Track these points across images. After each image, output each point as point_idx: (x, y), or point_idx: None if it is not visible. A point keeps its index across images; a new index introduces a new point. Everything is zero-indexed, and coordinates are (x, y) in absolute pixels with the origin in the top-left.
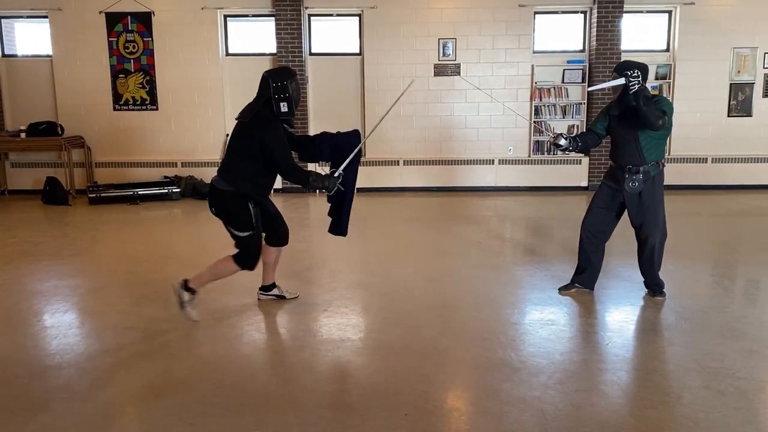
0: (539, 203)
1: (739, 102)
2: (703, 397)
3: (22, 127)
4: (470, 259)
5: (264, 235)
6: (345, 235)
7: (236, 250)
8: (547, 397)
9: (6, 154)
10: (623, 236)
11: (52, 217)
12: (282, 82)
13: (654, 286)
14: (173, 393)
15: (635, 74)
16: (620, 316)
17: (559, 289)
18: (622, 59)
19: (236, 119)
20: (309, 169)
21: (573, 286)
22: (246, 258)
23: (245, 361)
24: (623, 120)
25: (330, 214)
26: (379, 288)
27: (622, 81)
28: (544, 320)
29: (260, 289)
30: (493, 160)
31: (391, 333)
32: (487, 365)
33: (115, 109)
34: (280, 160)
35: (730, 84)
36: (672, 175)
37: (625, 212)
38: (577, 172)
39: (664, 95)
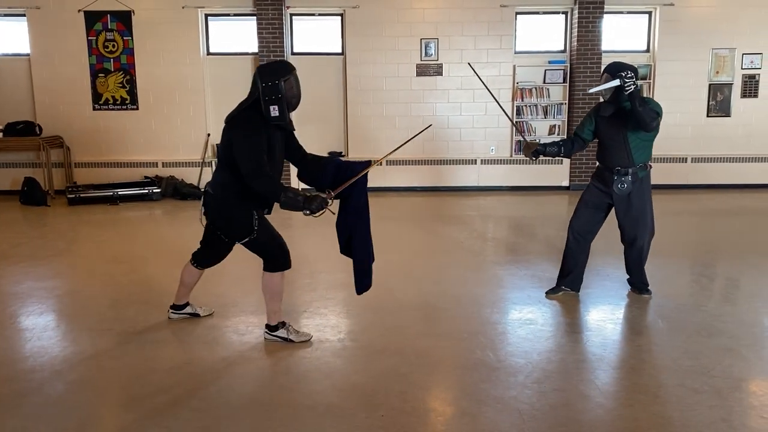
0: (521, 203)
1: (718, 102)
2: (678, 395)
3: (0, 127)
4: (451, 258)
5: (199, 251)
6: (366, 289)
7: (263, 261)
8: (524, 396)
9: None
10: (603, 234)
11: (30, 218)
12: (273, 82)
13: (640, 284)
14: (150, 396)
15: (630, 75)
16: (600, 315)
17: (546, 293)
18: (603, 60)
19: (225, 120)
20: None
21: (560, 289)
22: (276, 258)
23: (222, 363)
24: (613, 122)
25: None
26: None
27: (617, 82)
28: (523, 320)
29: (171, 307)
30: (475, 160)
31: (371, 333)
32: (466, 365)
33: (94, 109)
34: (243, 163)
35: (709, 84)
36: (652, 174)
37: (612, 213)
38: (558, 171)
39: (645, 95)
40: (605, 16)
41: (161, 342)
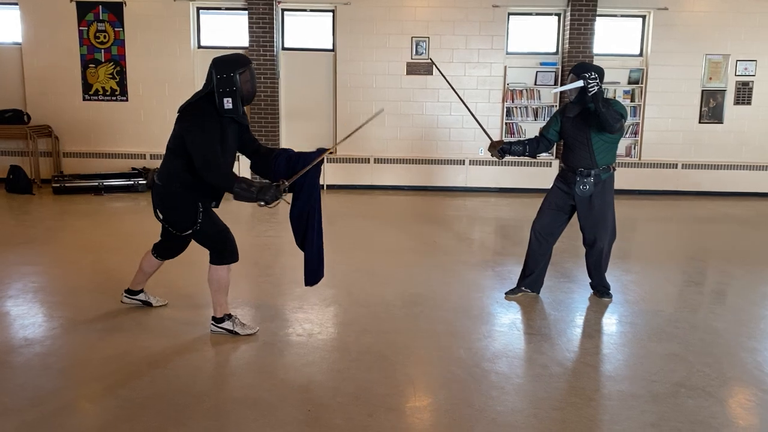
0: (507, 204)
1: (711, 109)
2: (614, 399)
3: None
4: (421, 257)
5: (160, 242)
6: (317, 281)
7: (209, 253)
8: (455, 398)
9: None
10: (567, 236)
11: (13, 205)
12: (227, 74)
13: (601, 288)
14: (80, 385)
15: (593, 76)
16: (555, 317)
17: (506, 294)
18: (595, 63)
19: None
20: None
21: (519, 290)
22: (222, 251)
23: (163, 353)
24: (577, 123)
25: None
26: (324, 285)
27: (580, 83)
28: (474, 318)
29: (126, 291)
30: (464, 161)
31: (318, 329)
32: (405, 362)
33: (84, 99)
34: (197, 155)
35: (702, 90)
36: (642, 180)
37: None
38: (547, 174)
39: (636, 100)
40: (598, 19)
41: (108, 330)
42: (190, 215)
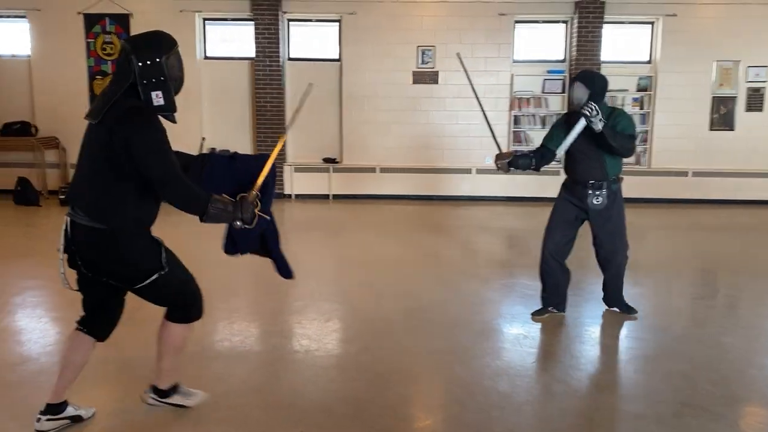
0: (513, 214)
1: (722, 115)
2: (618, 420)
3: None
4: (421, 269)
5: (88, 315)
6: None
7: (168, 309)
8: (451, 417)
9: None
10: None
11: (20, 217)
12: (153, 59)
13: (623, 305)
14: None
15: (594, 112)
16: (561, 333)
17: (532, 314)
18: (603, 70)
19: (86, 118)
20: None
21: (546, 310)
22: (188, 304)
23: None
24: (585, 134)
25: (254, 250)
26: (324, 299)
27: (583, 123)
28: (483, 338)
29: (44, 412)
30: (470, 169)
31: (321, 346)
32: (404, 380)
33: None
34: (152, 166)
35: (712, 97)
36: (651, 188)
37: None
38: (555, 183)
39: (645, 107)
40: (606, 26)
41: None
42: (152, 257)
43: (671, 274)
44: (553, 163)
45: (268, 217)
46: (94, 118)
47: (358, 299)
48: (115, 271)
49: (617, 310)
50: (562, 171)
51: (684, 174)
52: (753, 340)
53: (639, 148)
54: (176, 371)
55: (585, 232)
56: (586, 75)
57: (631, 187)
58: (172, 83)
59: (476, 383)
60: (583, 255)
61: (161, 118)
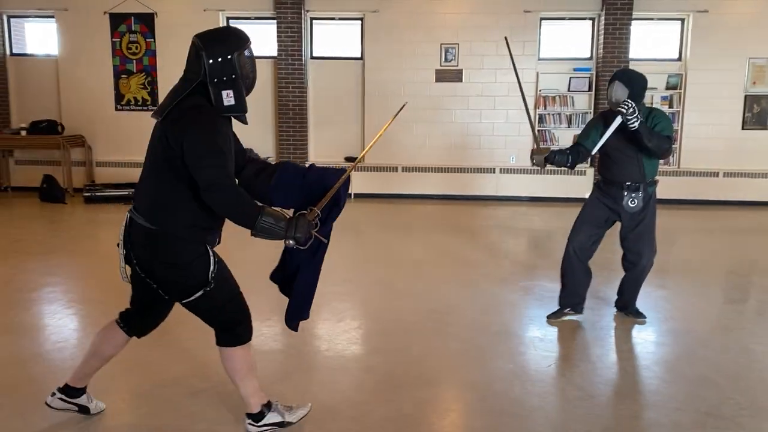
0: (539, 214)
1: (755, 114)
2: (635, 428)
3: (23, 125)
4: (444, 270)
5: (133, 311)
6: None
7: (216, 332)
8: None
9: (11, 152)
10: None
11: (45, 214)
12: (224, 57)
13: (634, 309)
14: None
15: (630, 109)
16: (579, 337)
17: (548, 317)
18: (630, 67)
19: (152, 116)
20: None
21: (563, 312)
22: (235, 324)
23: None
24: (623, 134)
25: (283, 287)
26: (338, 298)
27: (619, 121)
28: (499, 341)
29: (61, 390)
30: (494, 169)
31: (331, 347)
32: (414, 383)
33: (116, 109)
34: (202, 170)
35: (745, 95)
36: (681, 189)
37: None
38: (581, 183)
39: (675, 106)
40: (634, 22)
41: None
42: (200, 269)
43: (699, 277)
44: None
45: (325, 241)
46: (158, 116)
47: (372, 299)
48: (163, 277)
49: (625, 313)
50: (587, 171)
51: (715, 174)
52: None
53: None
54: (258, 392)
55: (610, 234)
56: (625, 74)
57: (659, 187)
58: (244, 82)
59: (488, 387)
60: (607, 257)
61: (234, 119)
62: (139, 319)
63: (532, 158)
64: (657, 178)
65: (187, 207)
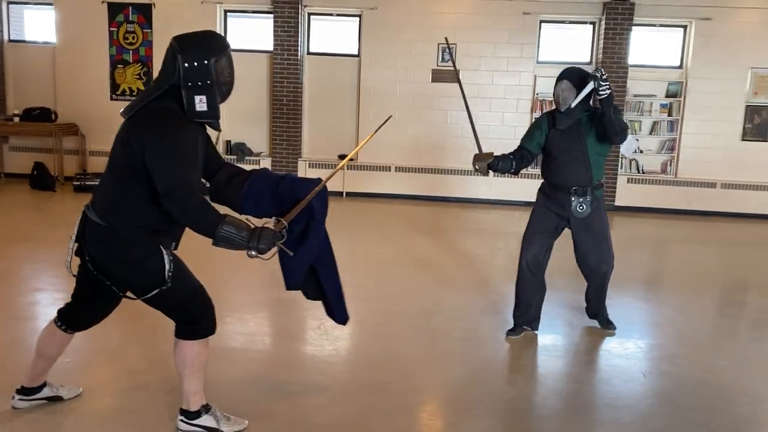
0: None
1: (755, 125)
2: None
3: (17, 112)
4: (423, 273)
5: (71, 308)
6: (345, 323)
7: (176, 325)
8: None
9: (6, 138)
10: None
11: (33, 201)
12: (201, 61)
13: (603, 319)
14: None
15: (605, 77)
16: (545, 350)
17: (507, 333)
18: (629, 74)
19: (121, 114)
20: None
21: (521, 329)
22: (196, 319)
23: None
24: (570, 135)
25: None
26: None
27: (591, 86)
28: (464, 353)
29: (19, 392)
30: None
31: (278, 343)
32: (360, 387)
33: (112, 99)
34: (162, 176)
35: (746, 106)
36: (677, 198)
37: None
38: None
39: (674, 114)
40: (635, 28)
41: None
42: (155, 268)
43: (685, 290)
44: None
45: (290, 253)
46: (126, 114)
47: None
48: (116, 274)
49: (602, 325)
50: None
51: (712, 185)
52: (746, 365)
53: (665, 157)
54: (200, 393)
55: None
56: (572, 72)
57: (655, 196)
58: (220, 89)
59: (438, 394)
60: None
61: (206, 125)
62: (81, 314)
63: (474, 164)
64: (602, 181)
65: (138, 208)
